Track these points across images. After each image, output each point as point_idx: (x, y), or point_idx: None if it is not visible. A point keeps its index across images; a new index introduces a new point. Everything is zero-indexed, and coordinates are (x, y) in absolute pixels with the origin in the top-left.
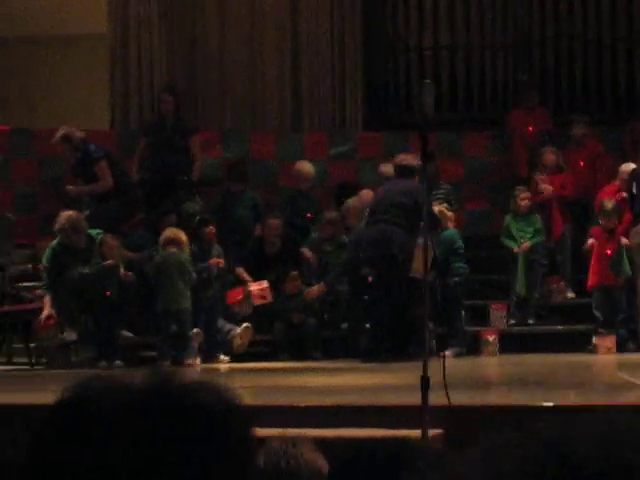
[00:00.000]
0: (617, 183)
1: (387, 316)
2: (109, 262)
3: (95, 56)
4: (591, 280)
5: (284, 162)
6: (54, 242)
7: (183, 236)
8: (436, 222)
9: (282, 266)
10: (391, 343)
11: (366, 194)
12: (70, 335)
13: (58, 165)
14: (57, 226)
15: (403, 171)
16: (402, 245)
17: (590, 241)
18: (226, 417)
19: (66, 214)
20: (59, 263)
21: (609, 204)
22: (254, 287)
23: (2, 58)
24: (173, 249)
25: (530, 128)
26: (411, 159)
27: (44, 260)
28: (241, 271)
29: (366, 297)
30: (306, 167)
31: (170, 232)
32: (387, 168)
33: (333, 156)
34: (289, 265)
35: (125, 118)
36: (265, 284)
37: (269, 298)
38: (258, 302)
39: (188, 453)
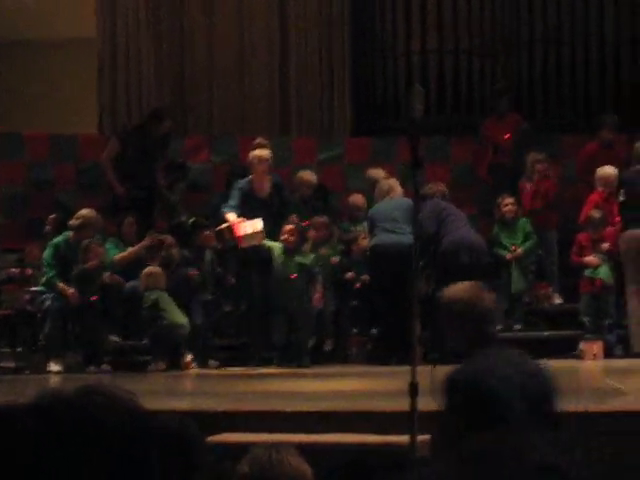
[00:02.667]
0: (601, 189)
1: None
2: (92, 264)
3: (84, 59)
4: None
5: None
6: (59, 239)
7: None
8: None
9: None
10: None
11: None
12: (55, 367)
13: (47, 169)
14: (75, 222)
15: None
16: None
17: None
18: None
19: (87, 210)
20: (63, 260)
21: (597, 214)
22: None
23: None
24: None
25: (506, 135)
26: None
27: (46, 257)
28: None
29: (354, 303)
30: (309, 176)
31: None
32: (374, 173)
33: (322, 161)
34: None
35: (113, 122)
36: (259, 225)
37: (260, 239)
38: (246, 235)
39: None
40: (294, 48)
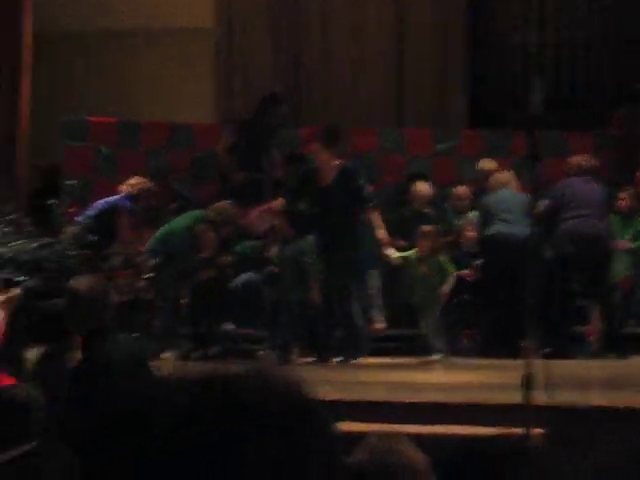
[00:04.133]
0: None
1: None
2: (204, 254)
3: (199, 48)
4: None
5: (387, 155)
6: (179, 225)
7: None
8: None
9: None
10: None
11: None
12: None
13: (162, 157)
14: (217, 217)
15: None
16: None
17: None
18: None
19: (227, 206)
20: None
21: None
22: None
23: (107, 51)
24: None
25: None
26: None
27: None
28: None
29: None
30: (425, 189)
31: None
32: (487, 164)
33: (436, 152)
34: None
35: (228, 111)
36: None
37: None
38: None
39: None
40: (410, 38)
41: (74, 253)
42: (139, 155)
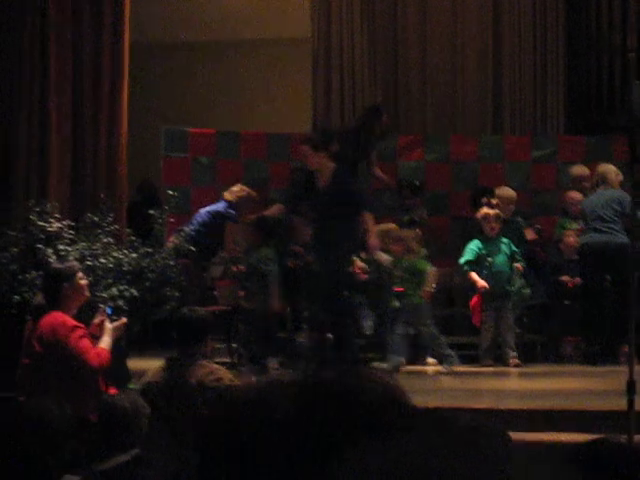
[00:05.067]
0: None
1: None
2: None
3: (296, 59)
4: None
5: (485, 164)
6: None
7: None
8: None
9: None
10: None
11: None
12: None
13: (262, 168)
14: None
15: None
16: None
17: None
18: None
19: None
20: None
21: None
22: None
23: (208, 62)
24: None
25: None
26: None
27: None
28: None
29: (567, 302)
30: (509, 193)
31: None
32: (577, 170)
33: (535, 159)
34: None
35: (326, 121)
36: None
37: None
38: None
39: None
40: (507, 45)
41: (174, 263)
42: (238, 165)
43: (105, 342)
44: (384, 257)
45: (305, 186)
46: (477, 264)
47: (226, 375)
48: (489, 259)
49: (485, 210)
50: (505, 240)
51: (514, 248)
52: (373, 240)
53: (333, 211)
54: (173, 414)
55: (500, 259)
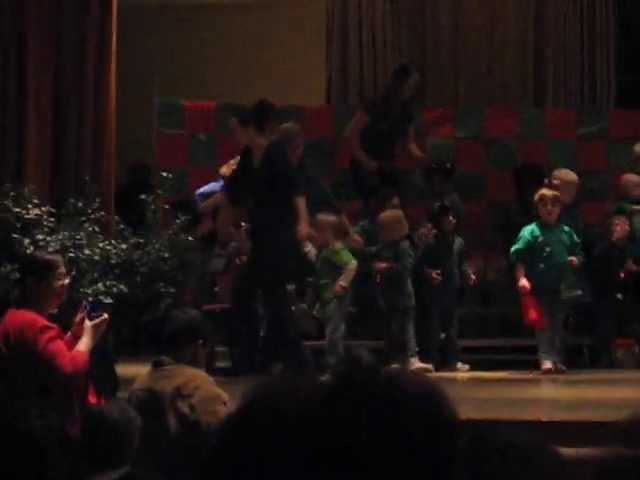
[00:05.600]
0: None
1: None
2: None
3: (310, 29)
4: None
5: (523, 141)
6: None
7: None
8: None
9: None
10: None
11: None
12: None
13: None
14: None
15: None
16: None
17: None
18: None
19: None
20: None
21: None
22: None
23: (211, 28)
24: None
25: None
26: None
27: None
28: None
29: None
30: (570, 175)
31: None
32: None
33: (582, 136)
34: None
35: (343, 94)
36: None
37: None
38: None
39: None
40: (552, 9)
41: (169, 256)
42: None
43: (83, 343)
44: (309, 248)
45: (242, 166)
46: (531, 254)
47: (204, 383)
48: (547, 249)
49: (543, 191)
50: (566, 229)
51: (576, 239)
52: (303, 228)
53: (265, 195)
54: (149, 426)
55: (558, 249)
